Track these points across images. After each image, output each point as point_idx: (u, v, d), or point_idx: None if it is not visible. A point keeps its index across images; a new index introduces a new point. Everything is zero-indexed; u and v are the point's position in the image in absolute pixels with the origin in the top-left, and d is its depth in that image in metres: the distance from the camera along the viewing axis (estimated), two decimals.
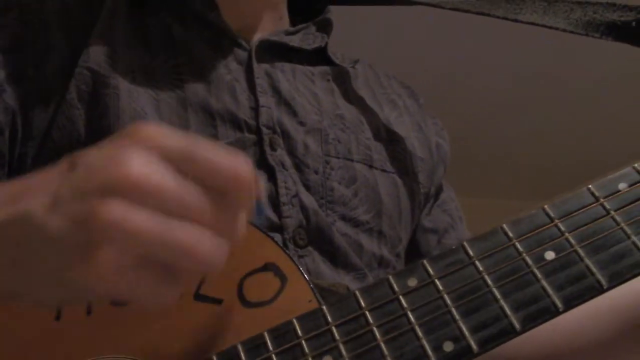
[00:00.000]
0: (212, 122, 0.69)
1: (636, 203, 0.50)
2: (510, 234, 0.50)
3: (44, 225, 0.39)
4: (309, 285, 0.51)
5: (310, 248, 0.67)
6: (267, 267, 0.52)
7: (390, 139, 0.79)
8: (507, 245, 0.50)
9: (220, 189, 0.40)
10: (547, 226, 0.50)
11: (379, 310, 0.48)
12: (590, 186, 0.51)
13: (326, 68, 0.82)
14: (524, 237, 0.50)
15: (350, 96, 0.81)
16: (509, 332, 0.47)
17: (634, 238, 0.48)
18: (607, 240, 0.49)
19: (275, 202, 0.67)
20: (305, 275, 0.52)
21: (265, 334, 0.49)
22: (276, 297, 0.51)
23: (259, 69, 0.74)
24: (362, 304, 0.49)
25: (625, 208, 0.50)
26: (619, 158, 0.65)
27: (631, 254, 0.48)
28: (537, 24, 0.68)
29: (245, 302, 0.51)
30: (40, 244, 0.39)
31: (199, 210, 0.39)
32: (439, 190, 0.85)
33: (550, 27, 0.68)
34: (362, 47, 1.27)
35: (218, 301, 0.51)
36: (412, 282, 0.49)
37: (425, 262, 0.50)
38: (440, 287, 0.49)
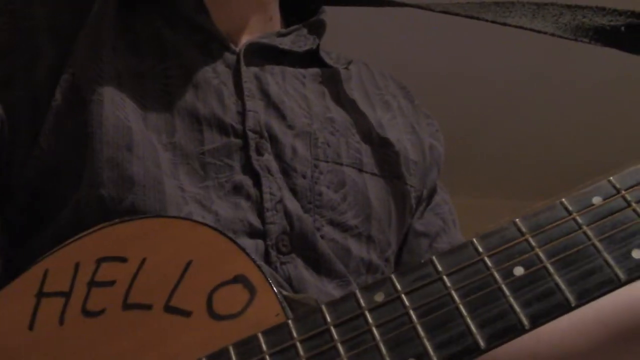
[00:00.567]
0: (198, 126, 0.69)
1: (609, 218, 0.49)
2: (480, 249, 0.49)
3: None
4: (278, 297, 0.51)
5: (293, 255, 0.67)
6: (236, 279, 0.52)
7: (381, 142, 0.78)
8: (476, 260, 0.49)
9: None
10: (517, 241, 0.49)
11: (344, 326, 0.48)
12: (563, 199, 0.50)
13: (318, 70, 0.82)
14: (493, 251, 0.49)
15: (342, 99, 0.81)
16: (473, 350, 0.46)
17: (604, 254, 0.47)
18: (577, 256, 0.48)
19: (259, 207, 0.67)
20: (274, 288, 0.52)
21: (230, 348, 0.49)
22: (244, 310, 0.51)
23: (248, 72, 0.74)
24: (328, 319, 0.48)
25: (597, 223, 0.49)
26: (619, 158, 0.63)
27: (601, 270, 0.47)
28: (526, 28, 0.67)
29: (213, 315, 0.51)
30: None
31: None
32: (432, 193, 0.84)
33: (539, 32, 0.66)
34: (359, 47, 1.26)
35: (187, 313, 0.52)
36: (379, 297, 0.49)
37: (393, 276, 0.49)
38: (407, 303, 0.48)
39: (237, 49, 0.75)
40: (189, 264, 0.53)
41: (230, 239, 0.54)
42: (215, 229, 0.55)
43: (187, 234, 0.55)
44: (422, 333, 0.47)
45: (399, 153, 0.78)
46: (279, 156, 0.71)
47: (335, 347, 0.47)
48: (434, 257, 0.50)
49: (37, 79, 0.67)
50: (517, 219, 0.50)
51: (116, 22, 0.72)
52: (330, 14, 0.86)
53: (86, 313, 0.53)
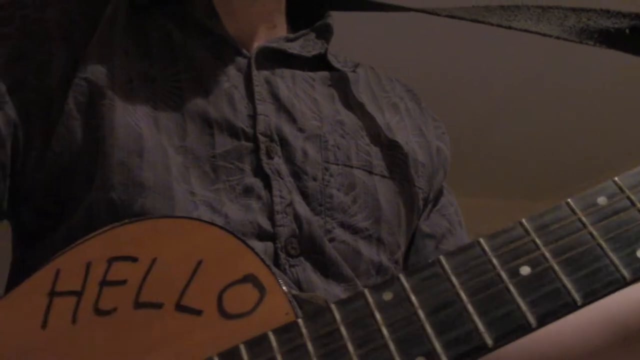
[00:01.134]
0: (209, 130, 0.69)
1: (614, 218, 0.49)
2: (487, 248, 0.50)
3: None
4: (287, 297, 0.52)
5: (301, 258, 0.68)
6: (246, 279, 0.53)
7: (390, 145, 0.79)
8: (483, 260, 0.49)
9: None
10: (523, 240, 0.50)
11: (354, 325, 0.49)
12: (569, 200, 0.51)
13: (326, 73, 0.82)
14: (499, 251, 0.50)
15: (351, 101, 0.81)
16: (481, 349, 0.47)
17: (610, 254, 0.48)
18: (583, 255, 0.48)
19: (269, 210, 0.68)
20: (284, 287, 0.52)
21: (241, 347, 0.49)
22: (255, 309, 0.52)
23: (259, 76, 0.74)
24: (337, 317, 0.49)
25: (603, 223, 0.49)
26: (618, 158, 0.64)
27: (607, 269, 0.47)
28: (531, 31, 0.68)
29: (224, 314, 0.52)
30: None
31: None
32: (439, 194, 0.85)
33: (544, 35, 0.67)
34: (364, 50, 1.27)
35: (198, 312, 0.52)
36: (388, 296, 0.49)
37: (401, 275, 0.50)
38: (415, 302, 0.49)
39: (249, 53, 0.75)
40: (199, 263, 0.54)
41: (240, 238, 0.55)
42: (224, 229, 0.56)
43: (197, 234, 0.56)
44: (430, 331, 0.47)
45: (407, 155, 0.79)
46: (289, 159, 0.71)
47: (344, 346, 0.48)
48: (441, 257, 0.50)
49: (50, 83, 0.68)
50: (523, 219, 0.51)
51: (128, 26, 0.73)
52: (334, 18, 0.86)
53: (98, 312, 0.53)
